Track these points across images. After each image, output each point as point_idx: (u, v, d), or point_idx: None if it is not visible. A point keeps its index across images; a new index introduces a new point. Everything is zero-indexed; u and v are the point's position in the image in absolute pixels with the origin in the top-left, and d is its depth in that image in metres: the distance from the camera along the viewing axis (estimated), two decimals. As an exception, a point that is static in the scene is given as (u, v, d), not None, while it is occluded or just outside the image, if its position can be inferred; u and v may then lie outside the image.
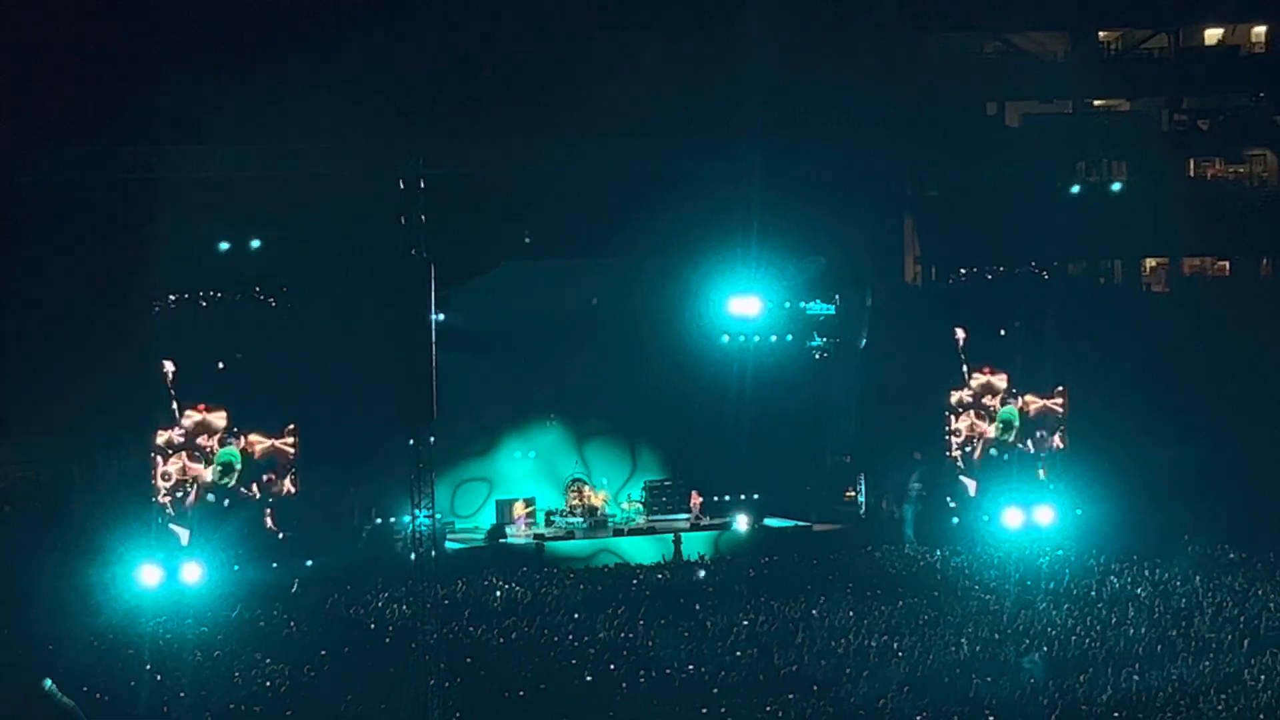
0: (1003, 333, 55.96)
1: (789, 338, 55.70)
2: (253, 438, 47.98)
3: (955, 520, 52.96)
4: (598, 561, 50.96)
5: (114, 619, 42.26)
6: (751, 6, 60.10)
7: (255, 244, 54.57)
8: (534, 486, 54.76)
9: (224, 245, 54.59)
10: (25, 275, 51.60)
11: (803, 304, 55.56)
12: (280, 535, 48.01)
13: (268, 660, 39.47)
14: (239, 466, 47.67)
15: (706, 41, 60.69)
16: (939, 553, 50.45)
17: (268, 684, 37.80)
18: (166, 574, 45.64)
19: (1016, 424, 54.59)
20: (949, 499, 53.32)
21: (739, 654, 39.57)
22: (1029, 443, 54.68)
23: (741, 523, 53.64)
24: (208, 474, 47.37)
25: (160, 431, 47.13)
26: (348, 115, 53.40)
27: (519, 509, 53.44)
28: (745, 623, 42.58)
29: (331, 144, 51.22)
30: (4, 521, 51.13)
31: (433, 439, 48.21)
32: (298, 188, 52.02)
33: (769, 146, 55.05)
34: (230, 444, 47.59)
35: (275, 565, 47.62)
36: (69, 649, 39.97)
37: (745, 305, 54.72)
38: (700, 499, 54.19)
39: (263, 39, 54.47)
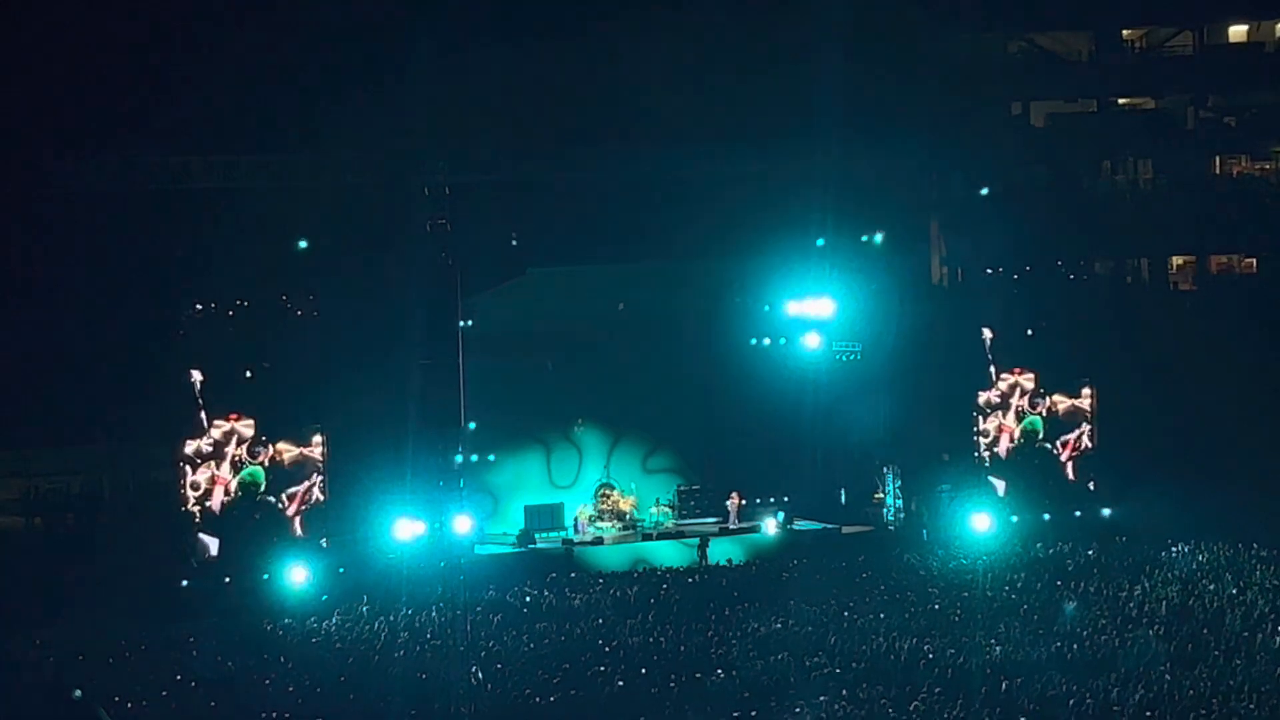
0: (1030, 333, 55.88)
1: (814, 340, 55.63)
2: (281, 446, 48.10)
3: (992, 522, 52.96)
4: (626, 566, 50.97)
5: (147, 628, 42.41)
6: (773, 10, 60.07)
7: (283, 253, 54.63)
8: (562, 491, 54.78)
9: (251, 254, 54.63)
10: (53, 286, 51.74)
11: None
12: (315, 543, 48.12)
13: (297, 667, 39.59)
14: (262, 484, 47.79)
15: (727, 46, 60.65)
16: (967, 554, 50.33)
17: (298, 690, 37.88)
18: (201, 581, 46.10)
19: (1040, 433, 54.60)
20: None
21: (770, 658, 39.54)
22: (1057, 443, 54.77)
23: (770, 526, 53.61)
24: (235, 484, 47.53)
25: (188, 441, 47.28)
26: (374, 124, 53.46)
27: (582, 514, 53.56)
28: (777, 626, 42.58)
29: (358, 153, 51.35)
30: (35, 532, 51.30)
31: (460, 445, 48.47)
32: (325, 196, 52.12)
33: (794, 150, 55.05)
34: (259, 454, 47.69)
35: (303, 574, 47.68)
36: (105, 659, 40.15)
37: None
38: (742, 500, 54.08)
39: (289, 49, 54.55)
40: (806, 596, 45.33)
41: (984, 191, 61.48)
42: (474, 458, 48.54)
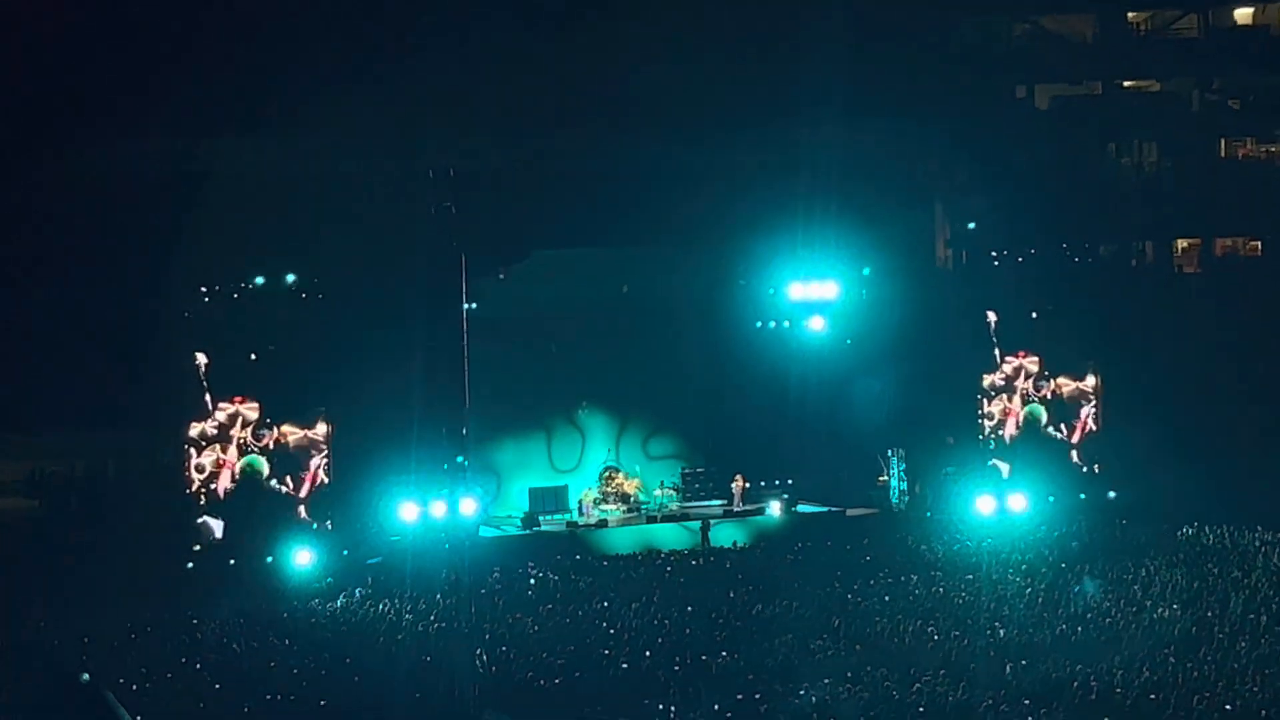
0: (1034, 316, 55.89)
1: (816, 323, 55.64)
2: (286, 428, 48.13)
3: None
4: (631, 549, 50.98)
5: (152, 611, 42.47)
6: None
7: (287, 237, 54.70)
8: (564, 475, 54.79)
9: (256, 238, 54.70)
10: (58, 270, 51.77)
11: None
12: (319, 526, 48.16)
13: (302, 649, 39.63)
14: (263, 472, 47.81)
15: (731, 29, 60.60)
16: (971, 537, 50.34)
17: (303, 673, 37.91)
18: (206, 564, 46.18)
19: (1042, 420, 54.63)
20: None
21: (775, 640, 39.55)
22: (1061, 426, 54.81)
23: (775, 509, 53.61)
24: (239, 467, 47.59)
25: (193, 424, 47.32)
26: (379, 109, 53.43)
27: (587, 496, 53.55)
28: (780, 608, 42.60)
29: (363, 138, 51.33)
30: (40, 514, 51.39)
31: (465, 429, 48.47)
32: (330, 181, 52.10)
33: (799, 134, 55.00)
34: (263, 437, 47.72)
35: (308, 556, 47.77)
36: (110, 641, 40.17)
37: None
38: (746, 483, 54.05)
39: (291, 32, 54.51)
40: (810, 579, 45.36)
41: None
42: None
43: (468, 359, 49.99)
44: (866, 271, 56.16)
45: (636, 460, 55.21)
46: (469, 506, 48.59)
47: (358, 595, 44.79)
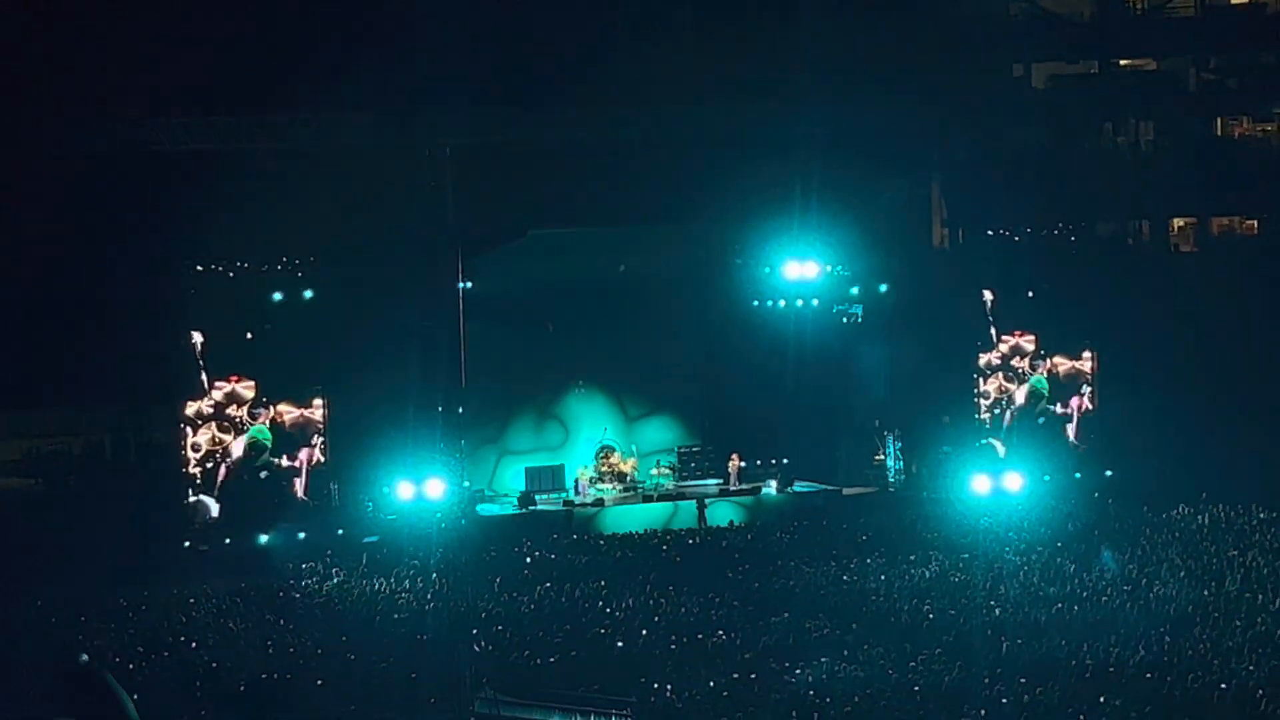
0: (1031, 294, 55.88)
1: (815, 302, 55.64)
2: (282, 408, 48.15)
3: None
4: (627, 528, 50.97)
5: (148, 588, 42.47)
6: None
7: (283, 214, 54.63)
8: (563, 453, 54.82)
9: (252, 216, 54.65)
10: (56, 246, 51.71)
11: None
12: (316, 504, 48.20)
13: (298, 628, 39.64)
14: (269, 443, 47.84)
15: (735, 9, 60.51)
16: (968, 515, 50.34)
17: (299, 651, 37.91)
18: (202, 543, 46.19)
19: (1046, 393, 54.60)
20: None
21: (771, 619, 39.59)
22: (1058, 405, 54.81)
23: (771, 487, 53.61)
24: (237, 446, 47.59)
25: (189, 403, 47.31)
26: (375, 87, 53.34)
27: (583, 476, 53.51)
28: (776, 587, 42.63)
29: (359, 115, 51.26)
30: (37, 493, 51.38)
31: (461, 407, 48.50)
32: (324, 158, 52.05)
33: (796, 113, 54.93)
34: (259, 416, 47.74)
35: (304, 535, 47.83)
36: (105, 620, 40.18)
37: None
38: (741, 462, 54.04)
39: (290, 12, 54.42)
40: (807, 558, 45.38)
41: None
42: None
43: (465, 337, 50.00)
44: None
45: (632, 439, 55.23)
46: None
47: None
